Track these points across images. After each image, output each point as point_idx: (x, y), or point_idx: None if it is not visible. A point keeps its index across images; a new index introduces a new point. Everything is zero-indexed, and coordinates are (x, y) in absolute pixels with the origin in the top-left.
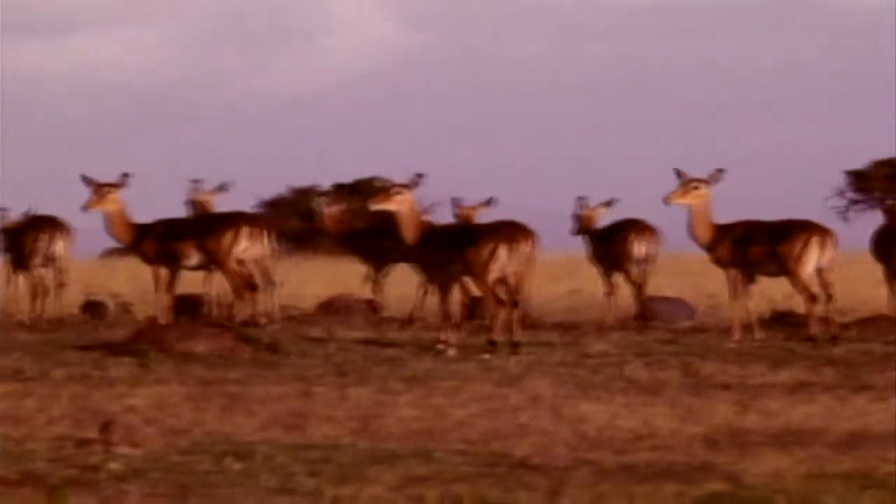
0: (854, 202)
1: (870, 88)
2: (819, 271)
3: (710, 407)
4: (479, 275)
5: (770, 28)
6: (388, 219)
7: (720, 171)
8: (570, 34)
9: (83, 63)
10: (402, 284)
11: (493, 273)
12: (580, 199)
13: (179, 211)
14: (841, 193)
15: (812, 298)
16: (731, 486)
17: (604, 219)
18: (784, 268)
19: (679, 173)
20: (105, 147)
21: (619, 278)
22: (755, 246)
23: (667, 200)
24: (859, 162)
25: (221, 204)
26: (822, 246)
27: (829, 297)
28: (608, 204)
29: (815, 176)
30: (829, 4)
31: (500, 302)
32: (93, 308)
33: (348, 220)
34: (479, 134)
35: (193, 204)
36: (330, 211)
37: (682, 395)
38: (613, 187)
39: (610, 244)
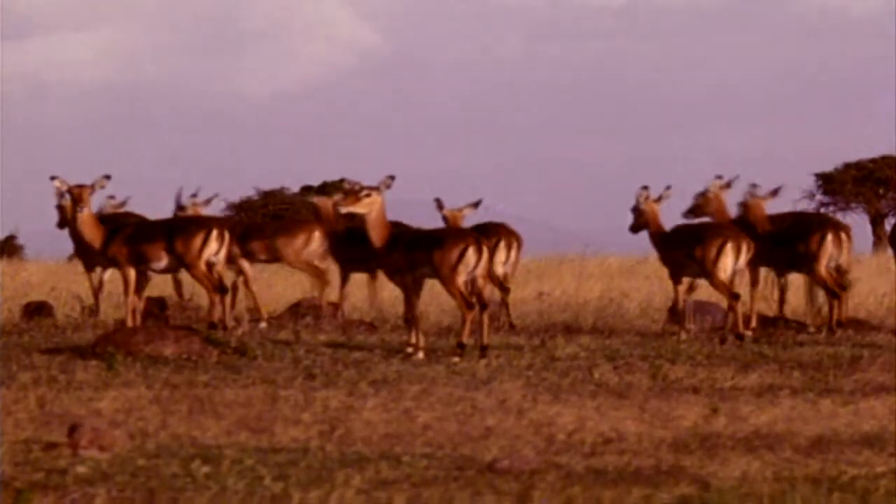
0: (823, 205)
1: (839, 91)
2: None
3: (678, 411)
4: (448, 277)
5: (739, 30)
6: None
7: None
8: (541, 35)
9: (50, 65)
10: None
11: (462, 275)
12: (436, 200)
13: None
14: (810, 196)
15: (733, 297)
16: (700, 490)
17: (468, 220)
18: (703, 270)
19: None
20: (72, 149)
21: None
22: (679, 249)
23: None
24: (828, 164)
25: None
26: (737, 251)
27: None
28: (475, 205)
29: (784, 179)
30: (799, 7)
31: (468, 305)
32: (36, 311)
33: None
34: (449, 136)
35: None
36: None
37: (650, 399)
38: (584, 190)
39: None
